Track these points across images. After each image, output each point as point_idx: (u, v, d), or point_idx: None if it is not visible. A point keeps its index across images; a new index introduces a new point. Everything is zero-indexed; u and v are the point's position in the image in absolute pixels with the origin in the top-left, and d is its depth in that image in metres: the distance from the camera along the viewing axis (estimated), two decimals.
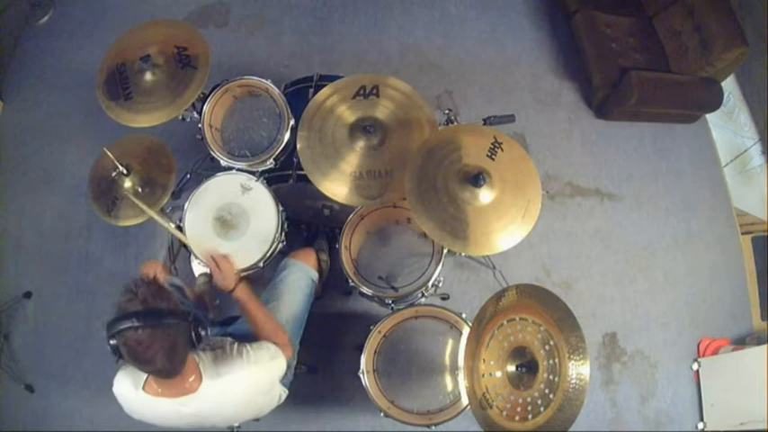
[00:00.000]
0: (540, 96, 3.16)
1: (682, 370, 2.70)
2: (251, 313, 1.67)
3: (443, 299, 2.51)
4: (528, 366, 1.41)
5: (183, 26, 2.11)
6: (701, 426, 2.60)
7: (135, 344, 1.21)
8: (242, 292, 1.66)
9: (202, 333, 1.34)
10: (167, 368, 1.29)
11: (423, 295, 2.09)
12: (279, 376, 1.61)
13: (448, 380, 1.93)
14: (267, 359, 1.53)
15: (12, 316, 2.74)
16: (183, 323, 1.28)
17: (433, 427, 1.84)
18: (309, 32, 3.24)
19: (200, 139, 2.10)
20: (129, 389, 1.41)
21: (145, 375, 1.38)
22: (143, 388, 1.39)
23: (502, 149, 1.80)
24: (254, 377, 1.50)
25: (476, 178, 1.69)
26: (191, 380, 1.38)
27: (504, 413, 1.40)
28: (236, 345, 1.53)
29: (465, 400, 1.83)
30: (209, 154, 2.09)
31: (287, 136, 2.04)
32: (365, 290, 2.01)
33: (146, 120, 1.95)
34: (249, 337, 1.78)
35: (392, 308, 2.06)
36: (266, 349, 1.55)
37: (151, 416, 1.46)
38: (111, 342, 1.23)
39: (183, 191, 2.55)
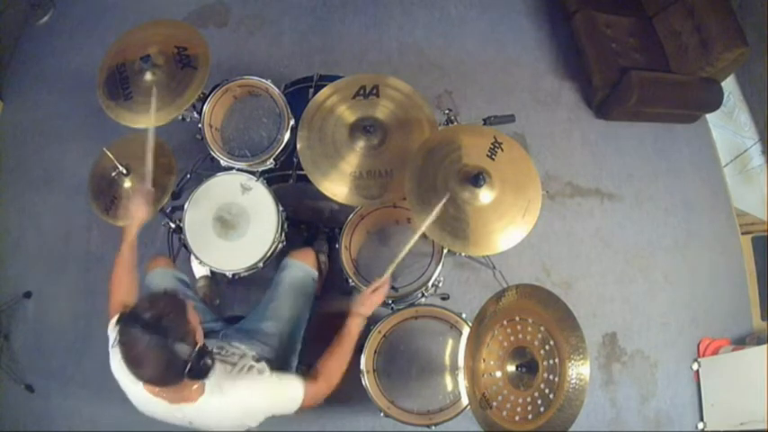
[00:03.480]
0: (540, 96, 3.15)
1: (682, 370, 2.70)
2: (343, 343, 1.63)
3: (443, 299, 2.51)
4: (528, 366, 1.41)
5: (183, 26, 2.11)
6: (701, 426, 2.60)
7: (130, 347, 1.21)
8: (357, 325, 1.65)
9: (209, 363, 1.27)
10: (154, 381, 1.28)
11: (423, 295, 2.09)
12: (280, 413, 1.53)
13: (448, 380, 1.93)
14: (284, 398, 1.48)
15: (12, 316, 2.73)
16: (185, 352, 1.22)
17: (433, 427, 1.84)
18: (309, 32, 3.24)
19: (200, 139, 2.10)
20: (128, 380, 1.36)
21: None
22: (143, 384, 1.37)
23: (502, 149, 1.80)
24: (254, 404, 1.45)
25: (476, 178, 1.69)
26: (194, 387, 1.35)
27: (504, 413, 1.40)
28: (256, 366, 1.47)
29: (465, 400, 1.83)
30: (209, 154, 2.09)
31: (287, 136, 2.04)
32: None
33: (146, 120, 1.94)
34: (252, 333, 1.78)
35: (392, 308, 2.06)
36: (294, 388, 1.49)
37: (145, 408, 1.46)
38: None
39: (183, 191, 2.55)
